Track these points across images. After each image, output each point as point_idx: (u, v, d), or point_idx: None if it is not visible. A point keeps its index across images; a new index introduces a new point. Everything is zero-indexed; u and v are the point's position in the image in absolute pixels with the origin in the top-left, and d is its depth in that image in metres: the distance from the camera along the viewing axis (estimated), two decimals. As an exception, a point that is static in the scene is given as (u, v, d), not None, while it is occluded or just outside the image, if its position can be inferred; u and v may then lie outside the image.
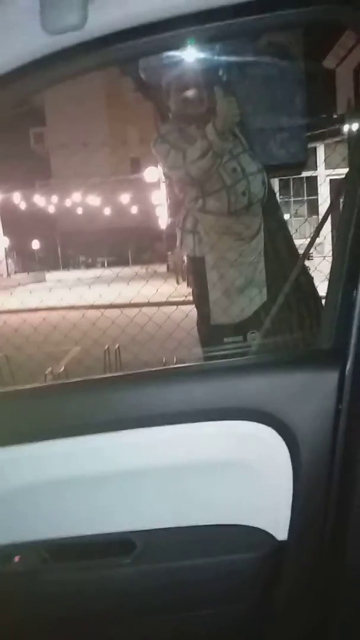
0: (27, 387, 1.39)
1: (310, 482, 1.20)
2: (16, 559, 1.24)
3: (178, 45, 1.17)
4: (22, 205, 24.69)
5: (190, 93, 2.45)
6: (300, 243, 2.95)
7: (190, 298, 2.97)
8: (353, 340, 1.14)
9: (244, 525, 1.26)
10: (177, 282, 14.26)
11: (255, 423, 1.19)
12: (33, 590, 1.25)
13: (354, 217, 1.14)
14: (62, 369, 4.67)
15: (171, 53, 1.84)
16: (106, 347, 4.55)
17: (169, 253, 21.25)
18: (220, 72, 2.50)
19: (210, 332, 2.76)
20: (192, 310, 2.93)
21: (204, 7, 0.94)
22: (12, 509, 1.24)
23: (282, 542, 1.24)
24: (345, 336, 1.16)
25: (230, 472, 1.23)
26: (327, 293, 1.23)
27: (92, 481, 1.24)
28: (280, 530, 1.24)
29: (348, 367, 1.16)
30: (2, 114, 1.07)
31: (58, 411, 1.23)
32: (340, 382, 1.16)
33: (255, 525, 1.26)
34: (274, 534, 1.25)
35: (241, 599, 1.29)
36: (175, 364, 3.75)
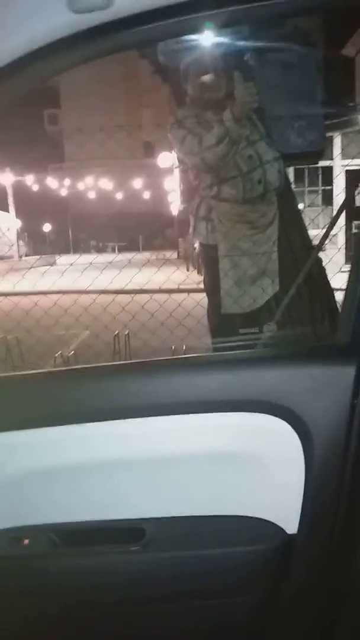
0: (42, 370, 1.39)
1: (323, 477, 1.20)
2: (26, 542, 1.24)
3: (204, 27, 1.14)
4: (35, 188, 24.68)
5: (208, 77, 2.42)
6: (315, 234, 2.92)
7: (201, 286, 2.95)
8: None
9: (254, 518, 1.25)
10: (187, 269, 14.24)
11: (269, 416, 1.19)
12: (41, 574, 1.26)
13: None
14: (72, 352, 4.69)
15: (193, 36, 1.80)
16: (116, 332, 4.56)
17: (180, 239, 21.19)
18: (240, 57, 2.46)
19: (220, 321, 2.75)
20: (202, 298, 2.92)
21: None
22: (23, 493, 1.24)
23: (291, 535, 1.24)
24: None
25: (242, 464, 1.23)
26: (347, 287, 1.22)
27: (104, 467, 1.24)
28: (290, 523, 1.24)
29: None
30: (26, 94, 1.04)
31: (72, 396, 1.24)
32: (356, 377, 1.15)
33: (266, 517, 1.25)
34: (283, 527, 1.24)
35: (249, 591, 1.29)
36: (185, 352, 3.75)
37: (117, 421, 1.20)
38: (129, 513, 1.26)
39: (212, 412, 1.21)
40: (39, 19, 0.93)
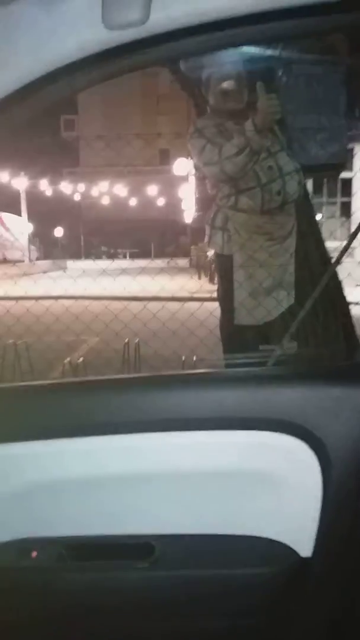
0: (54, 381, 1.37)
1: (341, 500, 1.17)
2: (34, 554, 1.23)
3: (235, 43, 1.16)
4: (48, 192, 24.85)
5: (230, 87, 2.39)
6: (333, 246, 2.88)
7: (214, 295, 2.92)
8: None
9: (266, 538, 1.22)
10: (199, 278, 14.24)
11: (286, 435, 1.16)
12: (48, 587, 1.24)
13: None
14: (81, 359, 4.67)
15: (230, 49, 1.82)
16: (126, 340, 4.53)
17: (192, 247, 21.21)
18: (263, 68, 2.43)
19: (233, 332, 2.71)
20: (215, 308, 2.88)
21: (267, 7, 0.92)
22: (32, 504, 1.23)
23: (305, 559, 1.20)
24: None
25: (256, 483, 1.20)
26: None
27: (115, 481, 1.22)
28: (304, 546, 1.20)
29: None
30: (59, 104, 1.07)
31: (81, 408, 1.22)
32: None
33: (278, 539, 1.22)
34: (297, 550, 1.21)
35: (259, 614, 1.25)
36: (195, 363, 3.71)
37: (127, 435, 1.18)
38: (138, 528, 1.24)
39: (226, 429, 1.19)
40: (72, 34, 0.94)
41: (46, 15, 0.93)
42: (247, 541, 1.23)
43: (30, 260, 26.04)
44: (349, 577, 1.21)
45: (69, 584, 1.25)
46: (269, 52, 2.38)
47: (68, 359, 4.70)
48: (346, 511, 1.18)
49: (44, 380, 1.42)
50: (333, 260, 2.79)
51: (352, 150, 8.83)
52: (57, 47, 0.95)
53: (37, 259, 27.96)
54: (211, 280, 11.12)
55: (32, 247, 27.84)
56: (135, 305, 3.60)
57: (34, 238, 29.10)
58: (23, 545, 1.23)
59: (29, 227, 27.49)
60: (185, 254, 22.92)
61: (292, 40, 2.18)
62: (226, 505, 1.22)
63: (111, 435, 1.18)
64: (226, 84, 2.40)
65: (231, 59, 2.35)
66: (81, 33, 0.93)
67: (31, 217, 27.30)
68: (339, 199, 11.70)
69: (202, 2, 0.92)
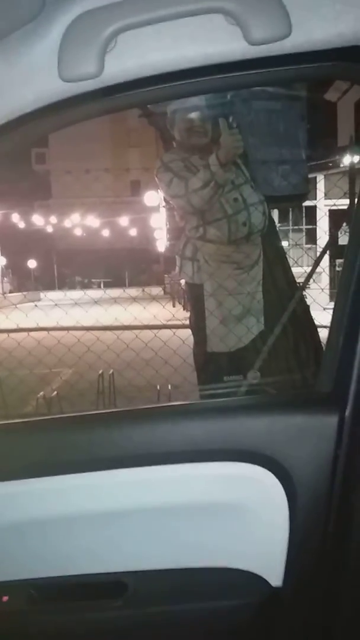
0: (20, 420, 1.36)
1: (307, 528, 1.17)
2: (4, 598, 1.20)
3: (189, 93, 1.22)
4: (20, 225, 24.79)
5: (194, 123, 2.48)
6: (298, 271, 2.96)
7: (187, 322, 2.95)
8: (353, 385, 1.13)
9: (238, 570, 1.22)
10: (174, 305, 14.32)
11: (253, 465, 1.17)
12: (21, 631, 1.22)
13: (358, 257, 1.14)
14: (55, 393, 4.63)
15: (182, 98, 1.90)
16: (100, 371, 4.51)
17: (166, 275, 21.33)
18: (224, 105, 2.53)
19: (206, 359, 2.74)
20: (189, 336, 2.91)
21: (216, 61, 0.97)
22: (1, 547, 1.20)
23: (276, 588, 1.21)
24: (345, 380, 1.14)
25: (225, 514, 1.20)
26: (329, 335, 1.22)
27: (84, 519, 1.20)
28: (274, 576, 1.21)
29: (348, 411, 1.14)
30: (16, 153, 1.10)
31: (50, 447, 1.21)
32: (339, 426, 1.14)
33: (250, 569, 1.22)
34: (268, 580, 1.21)
35: None
36: (170, 391, 3.72)
37: (94, 472, 1.17)
38: (111, 566, 1.23)
39: (195, 461, 1.19)
40: (29, 86, 0.97)
41: (4, 67, 0.96)
42: (219, 573, 1.23)
43: (3, 292, 25.80)
44: (318, 606, 1.21)
45: (42, 626, 1.22)
46: (230, 89, 2.48)
47: (42, 392, 4.66)
48: (313, 539, 1.18)
49: (10, 420, 1.40)
50: (300, 286, 2.87)
51: (314, 179, 9.10)
52: (15, 97, 0.98)
53: (10, 291, 27.71)
54: (185, 308, 11.21)
55: (5, 280, 27.62)
56: (108, 336, 3.61)
57: (6, 270, 28.90)
58: None
59: (1, 260, 27.31)
60: (159, 282, 23.02)
61: (244, 88, 2.28)
62: (196, 538, 1.22)
63: (77, 474, 1.17)
64: (190, 121, 2.48)
65: (195, 97, 2.44)
66: (38, 84, 0.97)
67: (3, 250, 27.16)
68: (304, 227, 11.99)
69: (153, 56, 0.96)
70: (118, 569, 1.22)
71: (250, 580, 1.22)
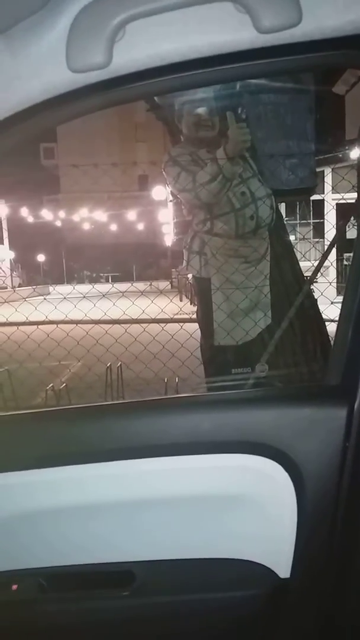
0: (29, 411, 1.37)
1: (315, 520, 1.18)
2: (14, 587, 1.21)
3: (198, 83, 1.20)
4: (29, 219, 24.83)
5: (202, 117, 2.48)
6: (306, 265, 2.96)
7: (194, 317, 2.97)
8: None
9: (246, 561, 1.23)
10: (181, 300, 14.34)
11: (261, 457, 1.17)
12: (31, 620, 1.23)
13: None
14: (64, 385, 4.66)
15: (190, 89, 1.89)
16: (108, 364, 4.54)
17: (174, 270, 21.32)
18: (232, 98, 2.53)
19: (213, 353, 2.76)
20: (196, 330, 2.93)
21: (225, 50, 0.96)
22: (11, 536, 1.22)
23: (284, 579, 1.21)
24: (354, 373, 1.15)
25: (234, 506, 1.21)
26: (337, 327, 1.22)
27: (93, 509, 1.21)
28: (282, 567, 1.21)
29: (357, 404, 1.14)
30: (26, 144, 1.08)
31: (60, 438, 1.22)
32: (348, 419, 1.14)
33: (258, 560, 1.23)
34: (276, 571, 1.22)
35: (241, 637, 1.25)
36: (177, 384, 3.73)
37: (103, 463, 1.18)
38: (120, 556, 1.24)
39: (203, 453, 1.19)
40: (37, 77, 0.96)
41: (11, 59, 0.94)
42: (227, 564, 1.24)
43: (12, 287, 25.87)
44: (326, 596, 1.22)
45: (51, 615, 1.24)
46: (238, 82, 2.48)
47: (51, 385, 4.69)
48: (320, 531, 1.19)
49: (15, 411, 1.41)
50: (307, 280, 2.87)
51: (322, 173, 9.05)
52: (23, 89, 0.97)
53: (20, 285, 27.79)
54: (192, 302, 11.22)
55: (15, 274, 27.70)
56: (116, 329, 3.63)
57: (15, 264, 28.99)
58: (2, 580, 1.22)
59: (10, 254, 27.39)
60: (167, 276, 23.01)
61: (253, 79, 2.28)
62: (204, 529, 1.23)
63: (87, 464, 1.18)
64: (198, 114, 2.49)
65: (202, 90, 2.44)
66: (46, 75, 0.96)
67: (13, 244, 27.23)
68: (312, 221, 11.94)
69: (162, 46, 0.95)
70: (126, 558, 1.23)
71: (258, 571, 1.22)
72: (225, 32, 0.94)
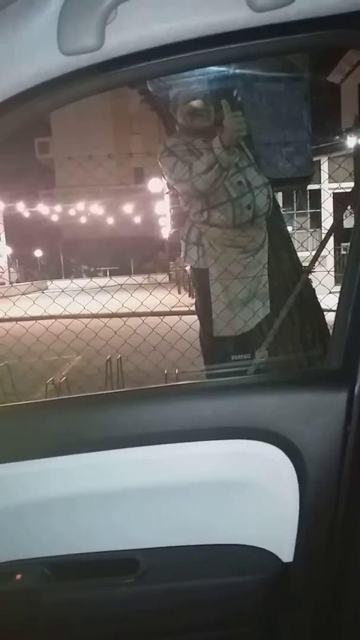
0: (31, 401, 1.38)
1: (317, 504, 1.18)
2: (18, 577, 1.21)
3: (192, 65, 1.18)
4: (25, 214, 24.75)
5: (197, 106, 2.47)
6: (304, 256, 2.96)
7: (193, 309, 2.97)
8: None
9: (249, 546, 1.24)
10: (179, 292, 14.33)
11: (262, 442, 1.18)
12: (35, 609, 1.23)
13: None
14: (64, 378, 4.66)
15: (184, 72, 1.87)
16: (108, 357, 4.54)
17: (171, 263, 21.31)
18: (227, 87, 2.52)
19: (212, 344, 2.76)
20: (195, 321, 2.93)
21: (220, 31, 0.95)
22: (14, 526, 1.22)
23: (287, 564, 1.22)
24: (354, 357, 1.15)
25: (236, 492, 1.22)
26: (337, 312, 1.22)
27: (96, 498, 1.22)
28: (285, 551, 1.22)
29: (357, 388, 1.14)
30: (16, 130, 1.06)
31: (62, 427, 1.22)
32: (349, 403, 1.15)
33: (261, 545, 1.23)
34: (279, 556, 1.23)
35: (245, 622, 1.26)
36: (177, 375, 3.74)
37: (106, 451, 1.18)
38: (122, 544, 1.24)
39: (204, 440, 1.19)
40: (29, 61, 0.94)
41: (2, 42, 0.93)
42: (231, 550, 1.24)
43: (10, 282, 25.83)
44: (329, 580, 1.22)
45: (55, 604, 1.24)
46: (233, 70, 2.47)
47: (51, 378, 4.70)
48: (322, 514, 1.19)
49: (19, 402, 1.42)
50: (305, 269, 2.87)
51: (318, 162, 9.03)
52: (14, 73, 0.95)
53: (17, 281, 27.76)
54: (190, 294, 11.22)
55: (12, 270, 27.67)
56: (115, 322, 3.63)
57: (13, 260, 28.93)
58: (6, 569, 1.22)
59: (8, 250, 27.33)
60: (164, 269, 23.01)
61: (249, 61, 2.26)
62: (207, 515, 1.23)
63: (91, 453, 1.18)
64: (193, 104, 2.48)
65: (197, 79, 2.43)
66: (38, 59, 0.94)
67: (9, 240, 27.15)
68: (309, 210, 11.92)
69: (154, 27, 0.93)
70: (130, 546, 1.24)
71: (261, 556, 1.23)
72: (219, 11, 0.93)
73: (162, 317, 3.37)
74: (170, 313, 3.75)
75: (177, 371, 3.68)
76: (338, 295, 1.23)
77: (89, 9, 0.88)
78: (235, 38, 0.97)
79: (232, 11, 0.92)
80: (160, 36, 0.94)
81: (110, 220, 26.51)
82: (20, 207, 24.38)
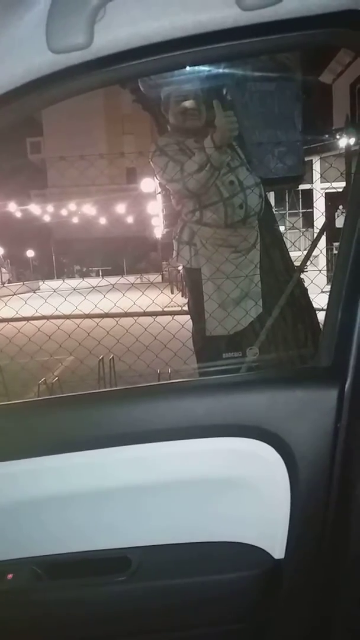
0: (24, 400, 1.37)
1: (308, 501, 1.19)
2: (9, 576, 1.21)
3: (181, 64, 1.18)
4: (17, 215, 24.65)
5: (189, 106, 2.47)
6: (296, 256, 2.97)
7: (186, 308, 2.97)
8: (352, 358, 1.14)
9: (241, 543, 1.24)
10: (172, 292, 14.34)
11: (254, 440, 1.18)
12: (27, 609, 1.23)
13: (355, 233, 1.14)
14: (56, 379, 4.65)
15: (174, 70, 1.86)
16: (100, 357, 4.53)
17: (164, 263, 21.32)
18: (219, 86, 2.52)
19: (205, 343, 2.77)
20: (187, 321, 2.93)
21: (209, 29, 0.95)
22: (4, 525, 1.22)
23: (278, 560, 1.23)
24: (344, 354, 1.15)
25: (227, 489, 1.22)
26: (327, 310, 1.22)
27: (88, 496, 1.22)
28: (277, 548, 1.22)
29: (347, 384, 1.15)
30: (6, 128, 1.06)
31: (55, 426, 1.22)
32: (339, 400, 1.15)
33: (252, 542, 1.24)
34: (270, 552, 1.23)
35: (237, 619, 1.27)
36: (170, 375, 3.74)
37: (99, 450, 1.18)
38: (114, 542, 1.24)
39: (197, 437, 1.20)
40: (19, 59, 0.94)
41: None
42: (222, 547, 1.24)
43: (2, 283, 25.75)
44: (321, 576, 1.23)
45: (47, 603, 1.23)
46: (224, 70, 2.47)
47: (43, 379, 4.68)
48: (313, 511, 1.20)
49: (15, 400, 1.41)
50: (297, 269, 2.88)
51: (310, 162, 9.06)
52: (3, 71, 0.94)
53: (9, 281, 27.66)
54: (183, 294, 11.24)
55: (3, 270, 27.57)
56: (107, 322, 3.62)
57: (4, 260, 28.84)
58: None
59: (-1, 250, 27.24)
60: (157, 269, 23.01)
61: (239, 60, 2.27)
62: (199, 513, 1.23)
63: (83, 451, 1.18)
64: (185, 103, 2.48)
65: (188, 79, 2.43)
66: (27, 57, 0.93)
67: (1, 240, 27.03)
68: (301, 210, 11.96)
69: (144, 25, 0.93)
70: (121, 544, 1.24)
71: (253, 553, 1.23)
72: (209, 9, 0.93)
73: (154, 317, 3.37)
74: (163, 313, 3.75)
75: (169, 370, 3.68)
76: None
77: (77, 6, 0.87)
78: (224, 37, 0.97)
79: (221, 9, 0.92)
80: (150, 34, 0.94)
81: (102, 220, 26.46)
82: (12, 207, 24.30)
